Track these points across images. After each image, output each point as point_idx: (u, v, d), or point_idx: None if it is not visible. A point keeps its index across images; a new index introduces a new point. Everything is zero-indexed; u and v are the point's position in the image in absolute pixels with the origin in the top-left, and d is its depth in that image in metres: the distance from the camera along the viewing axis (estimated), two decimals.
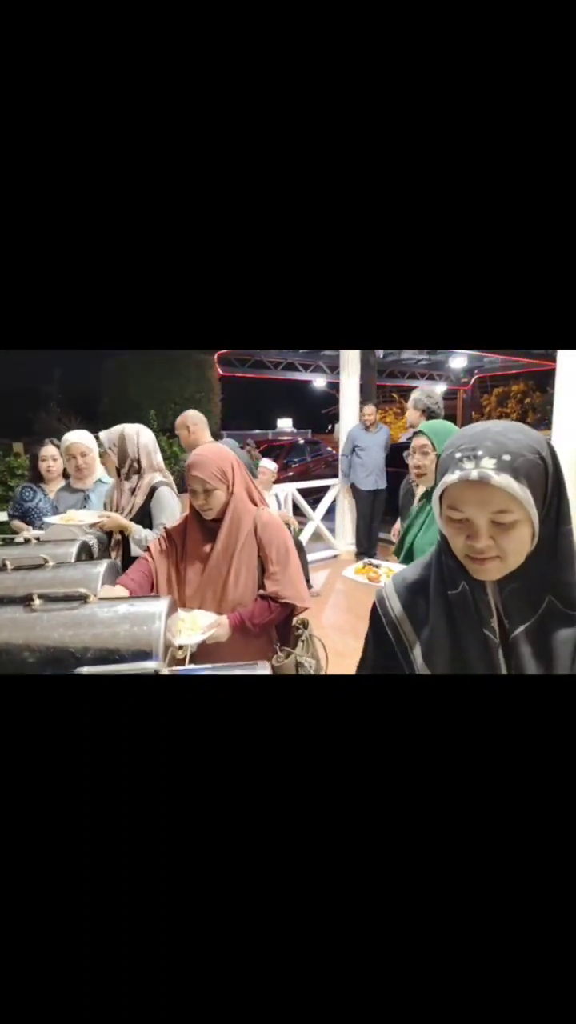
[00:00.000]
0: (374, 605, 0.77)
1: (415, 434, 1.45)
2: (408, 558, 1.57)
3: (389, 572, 1.63)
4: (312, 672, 1.26)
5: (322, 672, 1.32)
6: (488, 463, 0.57)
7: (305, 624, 1.37)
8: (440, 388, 14.82)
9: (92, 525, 1.71)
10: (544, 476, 0.59)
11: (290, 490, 4.80)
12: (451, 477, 0.59)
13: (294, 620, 1.38)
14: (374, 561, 1.79)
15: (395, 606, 0.74)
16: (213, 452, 1.33)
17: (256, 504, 1.36)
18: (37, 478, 2.42)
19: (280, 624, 1.36)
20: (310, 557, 4.56)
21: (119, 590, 1.21)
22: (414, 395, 2.65)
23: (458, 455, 0.59)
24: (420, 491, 1.61)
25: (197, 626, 1.17)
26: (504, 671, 0.64)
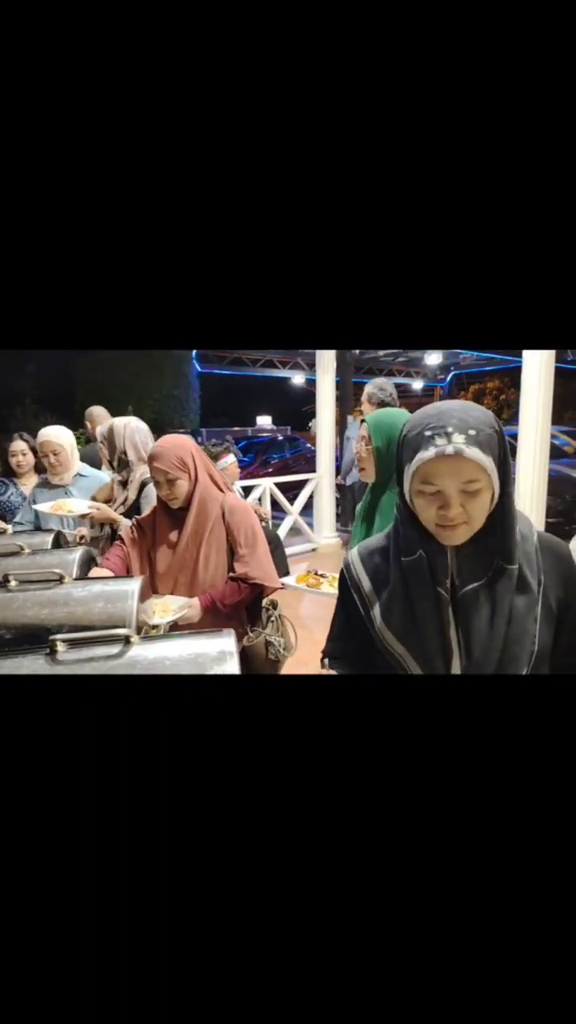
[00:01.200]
0: (342, 571, 0.86)
1: (362, 423, 1.35)
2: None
3: (332, 581, 1.69)
4: (281, 650, 1.32)
5: (291, 650, 1.39)
6: (459, 438, 0.65)
7: (275, 605, 1.45)
8: (418, 385, 15.02)
9: (82, 516, 1.72)
10: (498, 445, 0.68)
11: (267, 485, 4.85)
12: (426, 453, 0.66)
13: (264, 602, 1.44)
14: (320, 571, 1.86)
15: (358, 570, 0.82)
16: (172, 443, 1.38)
17: (222, 490, 1.42)
18: (8, 472, 2.42)
19: (250, 605, 1.42)
20: (291, 550, 4.61)
21: (104, 572, 1.27)
22: (367, 389, 2.75)
23: (428, 433, 0.66)
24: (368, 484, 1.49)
25: (169, 608, 1.22)
26: (452, 624, 0.72)
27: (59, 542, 1.47)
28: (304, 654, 1.48)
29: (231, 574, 1.38)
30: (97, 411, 3.03)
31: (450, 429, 0.65)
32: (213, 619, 1.31)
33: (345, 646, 0.86)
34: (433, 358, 12.16)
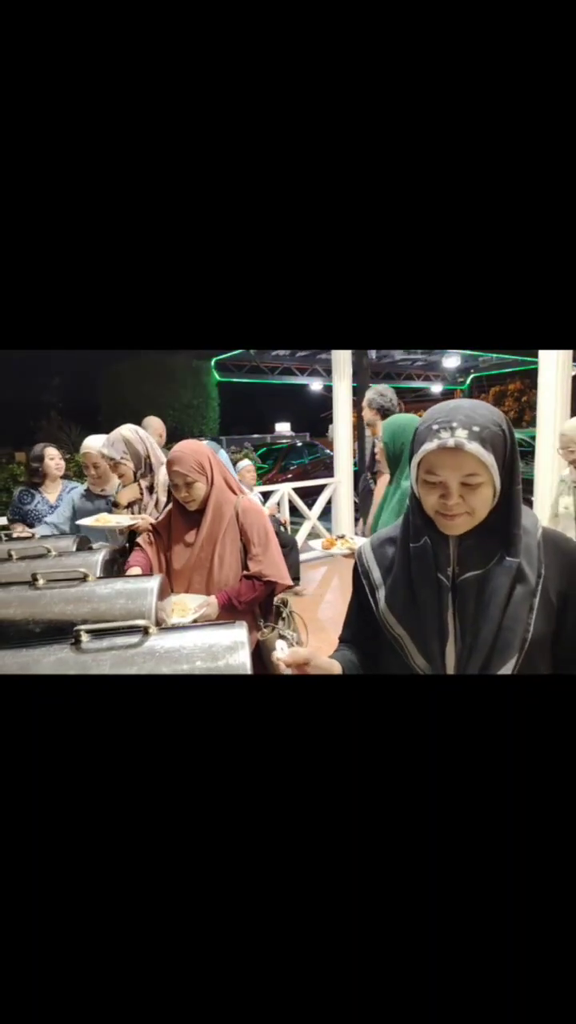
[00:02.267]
0: (355, 561, 0.92)
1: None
2: None
3: (345, 542, 1.80)
4: (295, 644, 1.37)
5: (303, 647, 1.43)
6: (461, 433, 0.69)
7: (285, 603, 1.52)
8: (437, 389, 14.95)
9: (127, 528, 1.74)
10: (504, 444, 0.71)
11: (286, 490, 4.90)
12: (430, 445, 0.70)
13: (275, 600, 1.50)
14: (341, 534, 1.91)
15: (368, 558, 0.88)
16: (190, 447, 1.46)
17: (235, 493, 1.49)
18: (40, 480, 2.52)
19: (263, 602, 1.48)
20: (308, 556, 4.65)
21: (136, 571, 1.36)
22: (368, 395, 2.89)
23: (435, 427, 0.71)
24: (383, 479, 1.78)
25: (188, 607, 1.28)
26: (450, 609, 0.76)
27: (83, 547, 1.55)
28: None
29: (245, 572, 1.43)
30: (156, 422, 2.88)
31: (455, 424, 0.69)
32: (229, 616, 1.36)
33: (355, 631, 0.90)
34: (451, 360, 12.09)
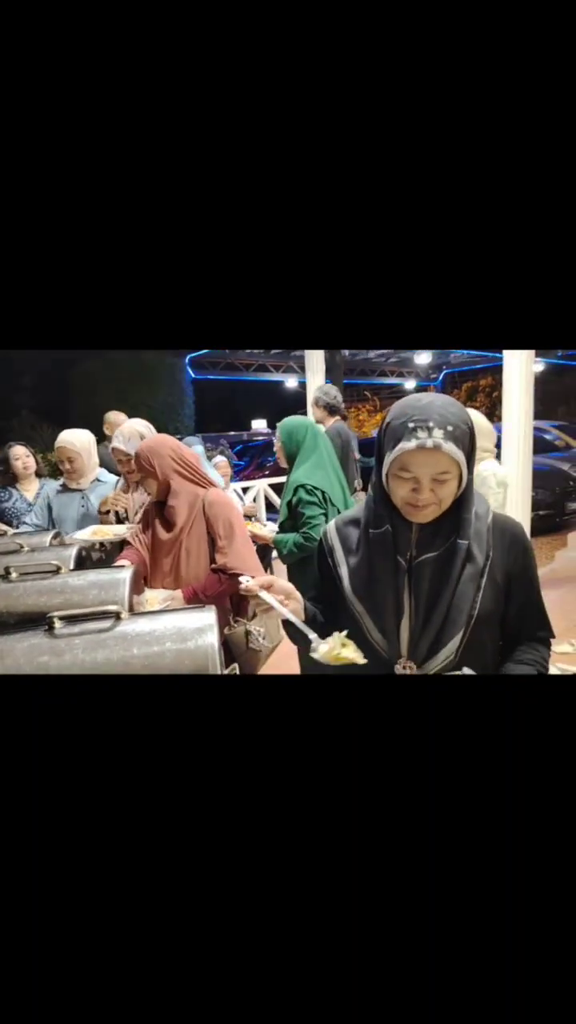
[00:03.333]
0: (320, 537, 0.98)
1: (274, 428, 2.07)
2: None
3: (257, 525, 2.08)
4: (261, 640, 1.40)
5: (273, 641, 1.47)
6: (438, 434, 0.73)
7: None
8: (410, 385, 15.14)
9: (126, 541, 1.70)
10: (470, 440, 0.77)
11: (262, 486, 4.93)
12: (408, 444, 0.73)
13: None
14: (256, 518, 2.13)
15: (332, 537, 0.93)
16: (146, 444, 1.55)
17: (203, 486, 1.52)
18: (11, 480, 2.50)
19: (238, 595, 1.50)
20: None
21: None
22: (314, 394, 3.24)
23: (411, 425, 0.74)
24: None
25: (154, 603, 1.31)
26: (406, 589, 0.82)
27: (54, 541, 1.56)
28: (291, 647, 1.56)
29: (213, 565, 1.46)
30: (115, 416, 3.07)
31: (431, 424, 0.73)
32: None
33: (318, 594, 0.96)
34: (423, 357, 12.27)
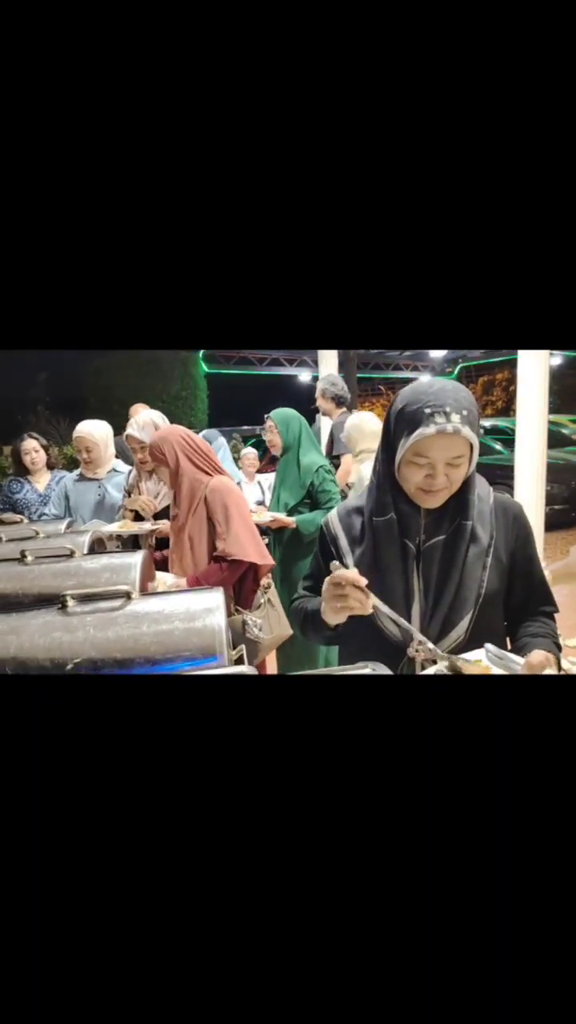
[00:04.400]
0: (321, 526, 0.97)
1: (266, 417, 2.25)
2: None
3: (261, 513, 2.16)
4: (257, 631, 1.43)
5: (271, 633, 1.50)
6: (456, 418, 0.73)
7: (267, 588, 1.57)
8: (425, 378, 14.99)
9: (151, 533, 1.79)
10: (478, 422, 0.77)
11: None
12: (427, 430, 0.74)
13: (263, 581, 1.55)
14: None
15: (335, 526, 0.93)
16: (159, 433, 1.59)
17: (209, 474, 1.54)
18: (22, 471, 2.55)
19: (243, 584, 1.53)
20: None
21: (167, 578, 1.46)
22: (320, 385, 3.32)
23: (428, 411, 0.74)
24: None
25: (162, 587, 1.35)
26: (416, 573, 0.83)
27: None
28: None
29: (214, 553, 1.49)
30: (140, 409, 3.10)
31: (448, 409, 0.73)
32: None
33: (314, 583, 0.96)
34: (438, 351, 12.16)
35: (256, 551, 1.50)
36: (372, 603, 0.75)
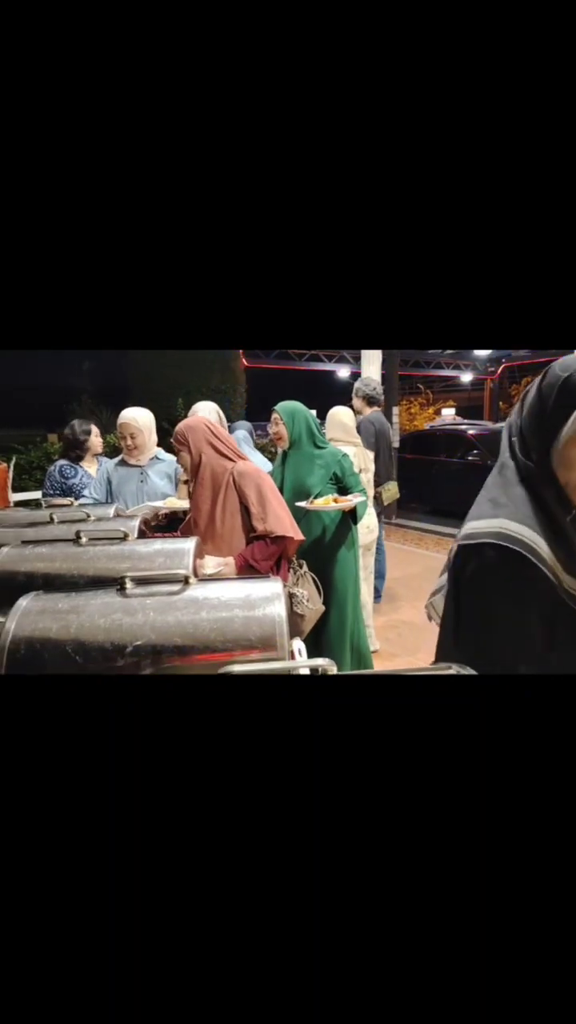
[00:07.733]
0: (512, 559, 0.72)
1: (271, 411, 2.28)
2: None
3: (332, 500, 2.15)
4: (305, 602, 1.44)
5: (315, 603, 1.52)
6: None
7: (301, 564, 1.64)
8: (467, 378, 14.66)
9: (154, 516, 1.88)
10: None
11: None
12: None
13: (294, 559, 1.61)
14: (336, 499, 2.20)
15: (535, 541, 0.72)
16: (184, 423, 1.65)
17: (233, 459, 1.60)
18: (76, 457, 2.60)
19: (279, 560, 1.59)
20: None
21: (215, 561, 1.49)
22: (356, 384, 3.49)
23: None
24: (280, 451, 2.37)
25: (206, 568, 1.36)
26: None
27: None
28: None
29: (253, 533, 1.53)
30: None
31: None
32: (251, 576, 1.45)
33: (524, 618, 0.73)
34: (482, 351, 11.84)
35: (292, 527, 1.56)
36: None
